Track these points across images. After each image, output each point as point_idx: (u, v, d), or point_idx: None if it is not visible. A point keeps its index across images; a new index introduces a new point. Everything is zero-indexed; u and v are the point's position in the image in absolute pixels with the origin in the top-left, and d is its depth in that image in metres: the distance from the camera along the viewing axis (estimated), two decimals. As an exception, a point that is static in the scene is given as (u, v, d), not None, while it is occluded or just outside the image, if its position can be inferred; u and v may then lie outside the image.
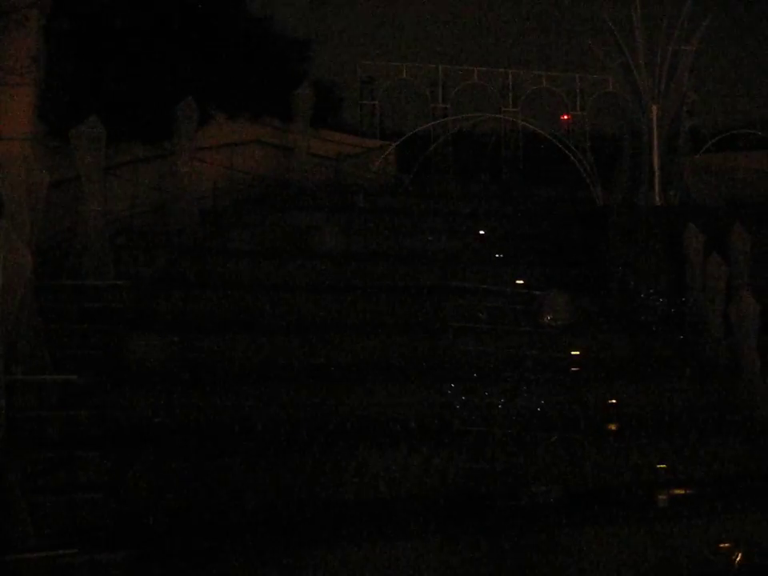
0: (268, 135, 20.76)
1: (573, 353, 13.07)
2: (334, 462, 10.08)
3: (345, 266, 15.18)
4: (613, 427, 11.58)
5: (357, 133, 24.52)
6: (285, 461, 9.95)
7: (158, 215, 16.56)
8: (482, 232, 17.59)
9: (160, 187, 17.33)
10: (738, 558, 9.74)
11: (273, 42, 22.47)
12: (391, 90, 26.07)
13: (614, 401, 12.39)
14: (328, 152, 21.16)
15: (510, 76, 26.19)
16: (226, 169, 19.27)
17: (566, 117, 26.90)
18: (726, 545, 9.83)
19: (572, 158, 19.12)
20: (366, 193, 18.64)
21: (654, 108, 17.91)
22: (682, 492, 10.64)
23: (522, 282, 14.43)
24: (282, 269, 14.77)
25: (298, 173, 19.73)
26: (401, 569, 8.97)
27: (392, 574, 8.95)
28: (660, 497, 10.36)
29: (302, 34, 24.17)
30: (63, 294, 12.37)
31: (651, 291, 15.49)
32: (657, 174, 17.69)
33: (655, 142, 17.79)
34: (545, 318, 14.06)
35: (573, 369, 12.71)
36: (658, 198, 17.59)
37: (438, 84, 25.60)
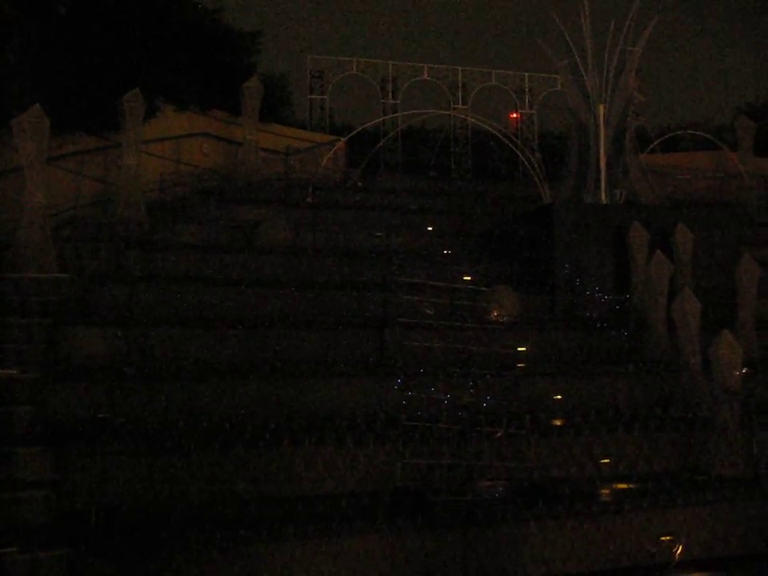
0: (216, 128, 20.59)
1: (519, 349, 13.17)
2: (280, 458, 10.04)
3: (292, 260, 15.12)
4: (557, 423, 11.68)
5: (306, 127, 24.40)
6: (230, 456, 9.88)
7: (103, 207, 16.33)
8: (430, 228, 17.64)
9: (106, 179, 17.10)
10: (678, 550, 9.92)
11: (222, 34, 22.23)
12: (341, 85, 26.00)
13: (558, 396, 12.52)
14: (277, 146, 21.03)
15: (460, 73, 26.25)
16: (173, 161, 19.06)
17: (515, 115, 27.05)
18: (667, 537, 10.01)
19: (520, 155, 19.23)
20: (314, 188, 18.56)
21: (601, 108, 18.09)
22: (625, 486, 10.77)
23: (469, 278, 14.50)
24: (228, 263, 14.65)
25: (246, 166, 19.61)
26: (348, 564, 8.98)
27: (339, 569, 8.95)
28: (603, 491, 10.48)
29: (251, 27, 23.97)
30: (4, 287, 12.14)
31: (596, 288, 15.66)
32: (603, 172, 17.88)
33: (602, 141, 17.97)
34: (491, 314, 14.15)
35: (518, 365, 12.80)
36: (603, 196, 17.78)
37: (389, 80, 25.57)
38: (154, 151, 18.15)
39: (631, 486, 10.80)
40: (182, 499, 9.49)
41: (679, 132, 25.62)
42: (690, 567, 9.89)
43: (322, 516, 9.25)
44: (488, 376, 11.87)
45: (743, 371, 12.02)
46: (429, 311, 12.28)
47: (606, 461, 11.23)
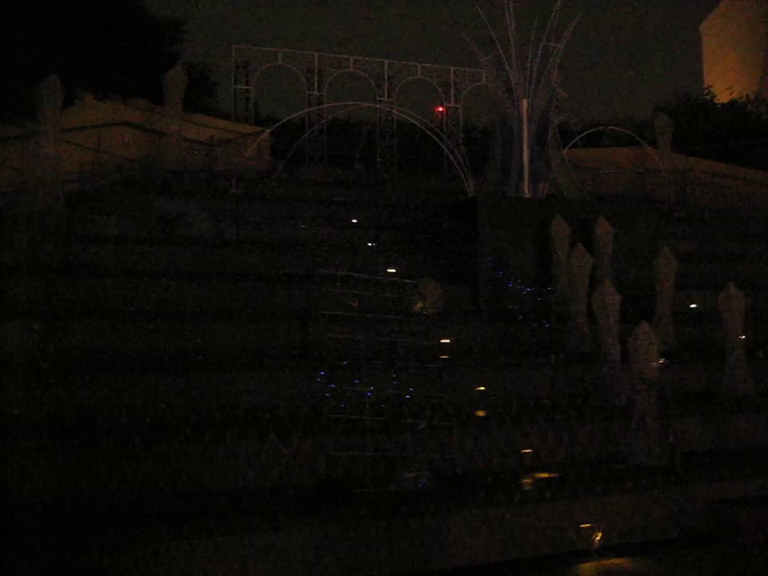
0: (138, 117, 20.23)
1: (442, 341, 13.25)
2: (201, 452, 9.92)
3: (215, 252, 14.96)
4: (480, 414, 11.79)
5: (230, 118, 24.15)
6: (150, 452, 9.72)
7: (20, 198, 15.90)
8: (354, 220, 17.64)
9: (23, 169, 16.65)
10: (597, 538, 10.12)
11: (145, 21, 21.86)
12: (266, 76, 25.80)
13: (481, 388, 12.64)
14: (200, 136, 20.78)
15: (386, 66, 26.27)
16: (94, 151, 18.66)
17: (440, 108, 27.19)
18: (587, 525, 10.19)
19: (445, 149, 19.33)
20: (238, 179, 18.38)
21: (525, 102, 18.29)
22: (546, 476, 10.91)
23: (393, 270, 14.52)
24: (150, 255, 14.43)
25: (168, 157, 19.32)
26: (270, 560, 8.91)
27: (262, 563, 8.88)
28: (525, 481, 10.61)
29: (175, 14, 23.62)
30: None
31: (519, 280, 15.84)
32: (526, 166, 18.08)
33: (525, 136, 18.17)
34: (415, 307, 14.21)
35: (442, 357, 12.88)
36: (527, 190, 17.99)
37: (314, 71, 25.45)
38: (73, 140, 17.73)
39: (552, 475, 10.95)
40: (99, 497, 9.30)
41: (601, 128, 26.09)
42: (608, 553, 10.09)
43: (245, 510, 9.16)
44: (412, 368, 11.92)
45: (660, 362, 12.27)
46: (353, 303, 12.25)
47: (527, 451, 11.38)
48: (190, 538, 8.59)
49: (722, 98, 32.24)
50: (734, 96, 32.23)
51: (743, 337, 14.26)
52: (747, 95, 31.97)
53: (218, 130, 21.72)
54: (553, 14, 18.75)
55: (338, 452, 10.32)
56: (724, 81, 38.28)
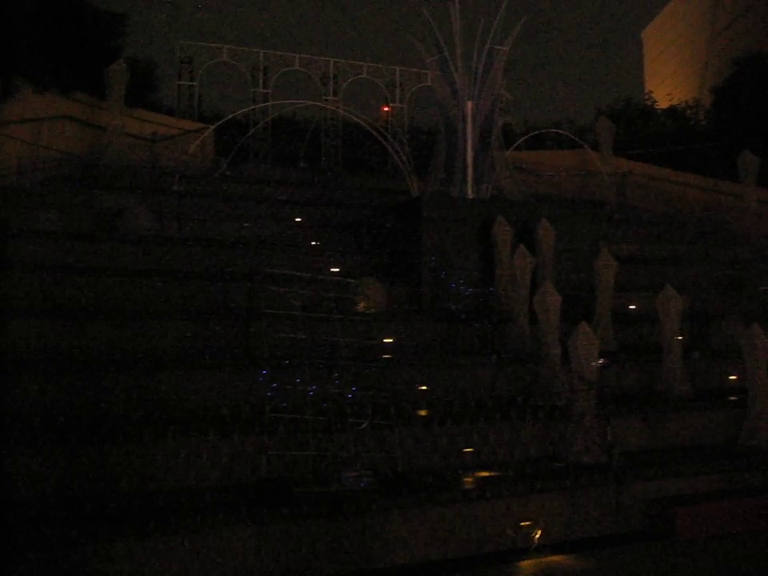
0: (80, 111, 19.89)
1: (385, 340, 13.27)
2: (141, 452, 9.79)
3: (157, 249, 14.77)
4: (422, 413, 11.84)
5: (174, 114, 23.89)
6: (88, 451, 9.57)
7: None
8: (298, 219, 17.57)
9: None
10: (537, 535, 10.25)
11: (87, 13, 21.50)
12: (211, 72, 25.58)
13: (423, 387, 12.69)
14: (143, 132, 20.51)
15: (332, 64, 26.24)
16: (33, 145, 18.30)
17: (386, 108, 27.23)
18: (527, 523, 10.31)
19: (389, 148, 19.36)
20: (181, 176, 18.18)
21: (469, 104, 18.39)
22: (487, 474, 11.00)
23: (336, 269, 14.50)
24: (90, 251, 14.20)
25: (110, 152, 19.04)
26: (210, 560, 8.85)
27: (203, 563, 8.81)
28: (466, 479, 10.68)
29: (118, 8, 23.30)
30: None
31: (462, 281, 15.92)
32: (470, 167, 18.19)
33: (469, 137, 18.28)
34: (358, 306, 14.21)
35: (384, 356, 12.89)
36: (470, 191, 18.09)
37: (260, 69, 25.30)
38: (12, 134, 17.38)
39: (493, 474, 11.04)
40: (35, 498, 9.13)
41: (544, 131, 26.39)
42: (547, 551, 10.23)
43: (186, 510, 9.08)
44: (353, 367, 11.92)
45: (599, 362, 12.45)
46: (296, 302, 12.20)
47: (468, 450, 11.45)
48: (128, 539, 8.49)
49: (662, 103, 32.89)
50: (674, 102, 32.92)
51: (680, 337, 14.54)
52: (686, 102, 32.63)
53: (162, 126, 21.48)
54: (498, 17, 18.89)
55: (280, 451, 10.28)
56: (664, 87, 39.07)
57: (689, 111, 31.85)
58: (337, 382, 11.52)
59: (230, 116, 22.23)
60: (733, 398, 14.16)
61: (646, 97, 34.46)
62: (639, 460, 12.01)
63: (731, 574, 9.67)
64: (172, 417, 10.77)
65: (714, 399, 14.16)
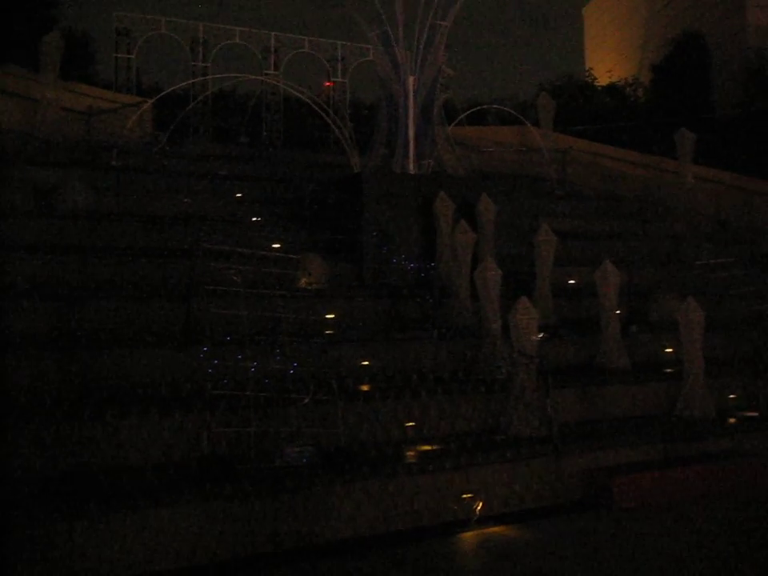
0: (12, 84, 19.34)
1: (326, 316, 13.26)
2: (80, 431, 9.68)
3: (94, 226, 14.52)
4: (364, 388, 11.88)
5: (111, 87, 23.37)
6: (26, 431, 9.43)
7: None
8: (239, 195, 17.40)
9: None
10: (478, 507, 10.40)
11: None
12: (149, 45, 25.06)
13: (365, 362, 12.72)
14: (79, 106, 20.02)
15: (273, 38, 25.91)
16: (-37, 119, 17.80)
17: (328, 83, 27.01)
18: (469, 495, 10.45)
19: (331, 124, 19.25)
20: (119, 150, 17.84)
21: (411, 79, 18.36)
22: (429, 448, 11.11)
23: (278, 245, 14.42)
24: (26, 228, 13.90)
25: (45, 126, 18.58)
26: (152, 538, 8.80)
27: (143, 544, 8.76)
28: (408, 453, 10.78)
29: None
30: None
31: (403, 256, 15.96)
32: (411, 143, 18.19)
33: (411, 112, 18.26)
34: (300, 282, 14.16)
35: (326, 332, 12.89)
36: (412, 167, 18.10)
37: (199, 42, 24.88)
38: (-61, 107, 16.89)
39: (435, 447, 11.16)
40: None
41: (485, 106, 26.42)
42: (489, 522, 10.39)
43: (126, 489, 9.01)
44: (295, 343, 11.90)
45: (539, 336, 12.61)
46: (236, 279, 12.11)
47: (410, 424, 11.54)
48: (68, 520, 8.40)
49: (602, 80, 33.13)
50: (614, 79, 33.19)
51: (618, 312, 14.78)
52: (626, 79, 32.95)
53: (98, 100, 20.99)
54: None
55: (222, 428, 10.24)
56: (605, 64, 39.32)
57: (628, 88, 32.15)
58: (278, 358, 11.49)
59: (168, 90, 21.81)
60: (669, 371, 14.49)
61: (587, 73, 34.70)
62: (578, 432, 12.24)
63: (665, 541, 9.92)
64: (111, 396, 10.65)
65: (651, 372, 14.47)
